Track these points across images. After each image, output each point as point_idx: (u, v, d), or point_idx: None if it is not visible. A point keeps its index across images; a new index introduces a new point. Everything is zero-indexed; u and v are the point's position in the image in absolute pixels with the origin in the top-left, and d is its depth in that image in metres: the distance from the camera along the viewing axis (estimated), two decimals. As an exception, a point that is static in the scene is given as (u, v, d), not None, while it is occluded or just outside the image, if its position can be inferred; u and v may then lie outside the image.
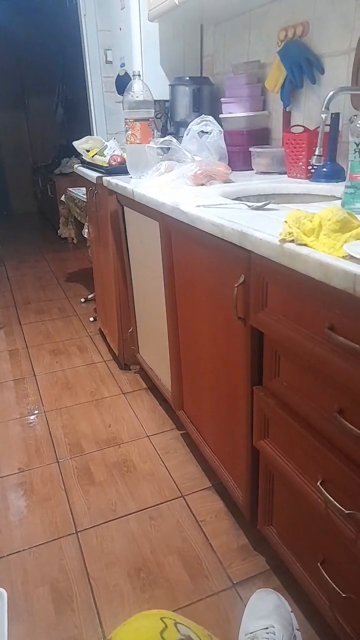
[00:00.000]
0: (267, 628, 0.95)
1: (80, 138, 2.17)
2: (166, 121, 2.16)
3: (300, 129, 1.53)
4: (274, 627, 0.94)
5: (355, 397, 0.73)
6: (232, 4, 1.74)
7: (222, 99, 1.86)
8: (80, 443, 1.72)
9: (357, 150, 0.93)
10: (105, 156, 1.96)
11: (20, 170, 6.09)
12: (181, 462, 1.60)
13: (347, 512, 0.79)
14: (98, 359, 2.34)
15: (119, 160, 1.83)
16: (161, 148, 1.64)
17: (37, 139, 6.07)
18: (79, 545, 1.30)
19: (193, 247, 1.22)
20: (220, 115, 1.84)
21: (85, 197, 2.54)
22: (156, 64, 2.09)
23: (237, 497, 1.24)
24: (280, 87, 1.66)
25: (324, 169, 1.43)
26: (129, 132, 1.62)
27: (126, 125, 1.62)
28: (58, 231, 3.52)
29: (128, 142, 1.64)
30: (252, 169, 1.75)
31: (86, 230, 2.79)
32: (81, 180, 2.24)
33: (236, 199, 1.32)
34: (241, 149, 1.77)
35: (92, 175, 1.89)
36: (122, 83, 2.07)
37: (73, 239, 3.39)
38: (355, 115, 1.18)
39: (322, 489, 0.84)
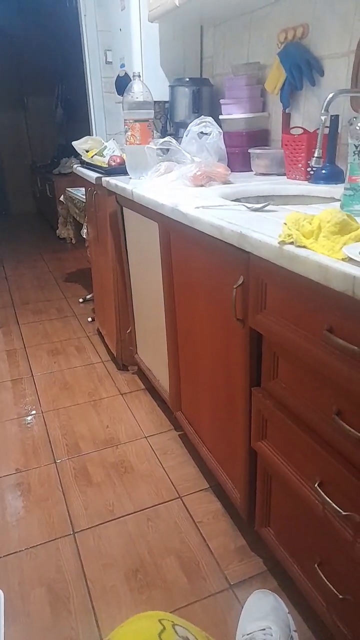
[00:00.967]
0: (264, 629, 0.95)
1: (80, 138, 2.17)
2: (166, 122, 2.16)
3: (300, 131, 1.53)
4: (271, 628, 0.94)
5: (354, 399, 0.73)
6: (232, 5, 1.74)
7: (221, 100, 1.86)
8: (77, 443, 1.72)
9: (356, 152, 0.93)
10: (104, 156, 1.96)
11: (19, 170, 6.08)
12: (179, 463, 1.60)
13: (344, 513, 0.79)
14: (96, 360, 2.34)
15: (118, 160, 1.83)
16: (161, 149, 1.64)
17: (36, 138, 6.06)
18: (76, 546, 1.29)
19: (192, 248, 1.22)
20: (220, 117, 1.84)
21: (84, 197, 2.54)
22: (156, 65, 2.09)
23: (234, 498, 1.24)
24: (280, 88, 1.66)
25: (323, 171, 1.43)
26: (129, 133, 1.62)
27: (126, 126, 1.62)
28: (57, 231, 3.52)
29: (127, 142, 1.64)
30: (252, 171, 1.75)
31: (85, 230, 2.78)
32: (80, 181, 2.24)
33: (235, 200, 1.32)
34: (240, 150, 1.77)
35: (92, 175, 1.89)
36: (122, 84, 2.07)
37: (72, 239, 3.39)
38: (355, 118, 1.18)
39: (320, 491, 0.84)
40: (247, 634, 0.96)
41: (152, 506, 1.42)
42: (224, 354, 1.15)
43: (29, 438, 1.76)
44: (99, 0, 2.57)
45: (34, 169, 5.97)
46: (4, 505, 1.44)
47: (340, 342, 0.71)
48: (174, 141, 1.63)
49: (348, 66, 1.39)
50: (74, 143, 2.14)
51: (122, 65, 2.18)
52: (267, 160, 1.67)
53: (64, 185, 3.85)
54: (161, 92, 2.05)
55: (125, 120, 1.62)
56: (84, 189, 2.42)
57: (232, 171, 1.61)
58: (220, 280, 1.08)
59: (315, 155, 1.24)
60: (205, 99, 1.99)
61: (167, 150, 1.65)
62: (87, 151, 2.09)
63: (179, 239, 1.29)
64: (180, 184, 1.49)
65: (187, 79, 1.99)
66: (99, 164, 1.92)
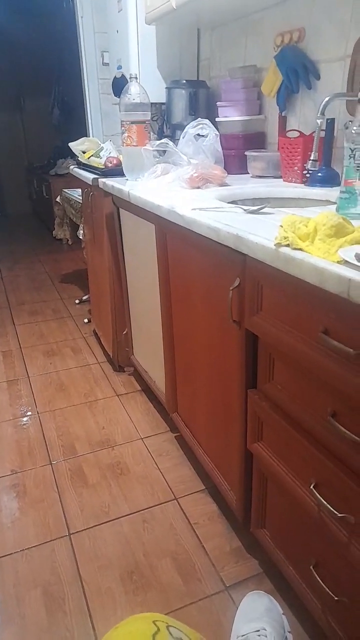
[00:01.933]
0: (258, 630, 0.95)
1: (76, 139, 2.17)
2: (162, 124, 2.17)
3: (296, 134, 1.54)
4: (265, 629, 0.94)
5: (349, 401, 0.74)
6: (229, 8, 1.75)
7: (218, 103, 1.87)
8: (73, 445, 1.71)
9: (352, 155, 0.94)
10: (101, 158, 1.96)
11: (15, 171, 6.07)
12: (175, 464, 1.60)
13: (339, 515, 0.79)
14: (92, 361, 2.34)
15: (115, 162, 1.83)
16: (157, 151, 1.65)
17: (33, 139, 6.05)
18: (72, 548, 1.29)
19: (189, 249, 1.22)
20: (217, 119, 1.84)
21: (80, 198, 2.53)
22: (153, 67, 2.09)
23: (230, 500, 1.24)
24: (276, 92, 1.67)
25: (319, 174, 1.44)
26: (126, 135, 1.62)
27: (122, 128, 1.63)
28: (53, 232, 3.51)
29: (124, 144, 1.65)
30: (248, 173, 1.76)
31: (81, 231, 2.78)
32: (76, 182, 2.24)
33: (232, 202, 1.33)
34: (237, 152, 1.78)
35: (88, 176, 1.89)
36: (119, 85, 2.08)
37: (68, 240, 3.39)
38: (350, 121, 1.19)
39: (315, 492, 0.84)
40: (242, 635, 0.96)
41: (148, 508, 1.42)
42: (220, 355, 1.15)
43: (25, 439, 1.76)
44: (96, 2, 2.58)
45: (30, 170, 5.96)
46: (-1, 506, 1.44)
47: (336, 344, 0.71)
48: (170, 143, 1.63)
49: (344, 70, 1.40)
50: (71, 144, 2.14)
51: (119, 67, 2.18)
52: (264, 163, 1.68)
53: (60, 186, 3.85)
54: (158, 94, 2.06)
55: (122, 121, 1.62)
56: (80, 190, 2.42)
57: (228, 173, 1.62)
58: (217, 281, 1.08)
59: (312, 158, 1.25)
60: (202, 101, 2.00)
61: (164, 152, 1.65)
62: (83, 152, 2.09)
63: (176, 240, 1.29)
64: (176, 185, 1.50)
65: (184, 81, 2.00)
66: (95, 165, 1.92)
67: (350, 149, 0.94)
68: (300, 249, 0.75)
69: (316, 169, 1.31)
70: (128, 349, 2.05)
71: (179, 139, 1.70)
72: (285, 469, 0.96)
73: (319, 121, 1.20)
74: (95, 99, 2.88)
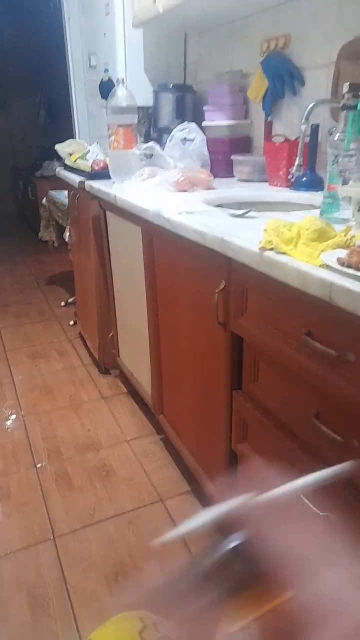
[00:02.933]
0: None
1: (63, 141, 2.17)
2: (149, 127, 2.18)
3: (281, 139, 1.56)
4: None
5: (331, 402, 0.75)
6: (215, 14, 1.76)
7: (204, 107, 1.88)
8: (58, 448, 1.71)
9: (334, 161, 0.96)
10: (87, 160, 1.96)
11: (1, 172, 6.01)
12: (160, 466, 1.60)
13: (321, 514, 0.80)
14: (78, 363, 2.33)
15: (101, 165, 1.84)
16: (144, 154, 1.66)
17: (18, 140, 6.01)
18: (57, 551, 1.29)
19: (175, 252, 1.23)
20: (203, 123, 1.86)
21: (66, 200, 2.53)
22: (140, 71, 2.10)
23: (215, 501, 1.25)
24: (262, 97, 1.69)
25: (304, 179, 1.46)
26: (112, 138, 1.63)
27: (109, 131, 1.63)
28: (39, 234, 3.49)
29: (111, 147, 1.65)
30: (234, 177, 1.78)
31: (67, 233, 2.77)
32: (63, 184, 2.23)
33: (218, 205, 1.34)
34: (223, 156, 1.79)
35: (75, 179, 1.89)
36: (106, 88, 2.08)
37: (54, 242, 3.36)
38: (334, 127, 1.22)
39: (299, 492, 0.85)
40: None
41: (133, 509, 1.42)
42: (206, 357, 1.16)
43: (9, 442, 1.74)
44: (83, 4, 2.58)
45: (15, 171, 5.91)
46: (-18, 510, 1.43)
47: (318, 346, 0.73)
48: (157, 146, 1.64)
49: (328, 77, 1.43)
50: (57, 146, 2.13)
51: (106, 70, 2.18)
52: (250, 167, 1.70)
53: (46, 187, 3.82)
54: (145, 97, 2.07)
55: (109, 124, 1.62)
56: (66, 192, 2.42)
57: (215, 177, 1.63)
58: (203, 284, 1.09)
59: (296, 163, 1.27)
60: (189, 105, 2.01)
61: (151, 155, 1.66)
62: (70, 154, 2.09)
63: (162, 243, 1.30)
64: (163, 189, 1.51)
65: (171, 85, 2.01)
66: (82, 167, 1.92)
67: (333, 154, 0.96)
68: (284, 253, 0.77)
69: (301, 173, 1.34)
70: (114, 351, 2.05)
71: (165, 143, 1.71)
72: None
73: (303, 127, 1.23)
74: (82, 101, 2.88)
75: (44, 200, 3.29)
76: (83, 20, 2.67)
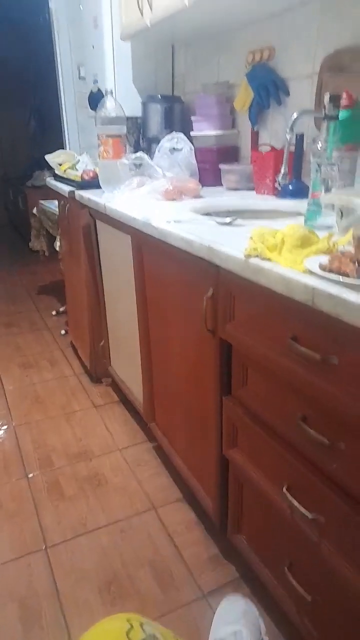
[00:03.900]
0: (234, 633, 0.96)
1: (53, 151, 2.18)
2: (138, 137, 2.20)
3: (268, 148, 1.59)
4: (242, 632, 0.95)
5: (317, 405, 0.76)
6: (202, 27, 1.80)
7: (192, 117, 1.91)
8: (50, 457, 1.70)
9: (318, 170, 0.98)
10: (77, 170, 1.98)
11: (-9, 182, 6.02)
12: (152, 474, 1.60)
13: (310, 516, 0.81)
14: (69, 372, 2.32)
15: (91, 174, 1.85)
16: (133, 164, 1.68)
17: (9, 150, 6.02)
18: (49, 561, 1.28)
19: (164, 261, 1.24)
20: (191, 133, 1.89)
21: (57, 210, 2.54)
22: (129, 82, 2.13)
23: (207, 507, 1.25)
24: (248, 107, 1.72)
25: (290, 187, 1.49)
26: (102, 148, 1.65)
27: (99, 141, 1.65)
28: (29, 244, 3.49)
29: (101, 157, 1.67)
30: (222, 185, 1.80)
31: (58, 243, 2.78)
32: (53, 193, 2.24)
33: (206, 214, 1.36)
34: (211, 165, 1.82)
35: (65, 189, 1.90)
36: (95, 99, 2.10)
37: (44, 251, 3.37)
38: (317, 137, 1.24)
39: (288, 495, 0.86)
40: (219, 639, 0.97)
41: (126, 518, 1.41)
42: (196, 364, 1.17)
43: (0, 452, 1.73)
44: (72, 17, 2.61)
45: (5, 181, 5.92)
46: (-27, 521, 1.42)
47: (304, 350, 0.74)
48: (146, 156, 1.66)
49: (311, 87, 1.46)
50: (47, 157, 2.15)
51: (95, 81, 2.21)
52: (237, 176, 1.73)
53: (37, 197, 3.83)
54: (133, 108, 2.09)
55: (98, 135, 1.64)
56: (57, 201, 2.43)
57: (203, 186, 1.66)
58: (191, 292, 1.11)
59: (282, 172, 1.29)
60: (177, 116, 2.04)
61: (140, 165, 1.68)
62: (60, 164, 2.10)
63: (151, 252, 1.31)
64: (152, 198, 1.52)
65: (159, 96, 2.04)
66: (72, 177, 1.94)
67: (317, 163, 0.99)
68: (268, 260, 0.78)
69: (287, 182, 1.36)
70: (105, 360, 2.05)
71: (154, 153, 1.73)
72: (260, 473, 0.98)
73: (288, 136, 1.25)
74: (71, 111, 2.90)
75: (34, 210, 3.30)
76: (72, 32, 2.70)
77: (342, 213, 0.91)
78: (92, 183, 1.80)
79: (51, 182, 2.17)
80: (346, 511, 0.74)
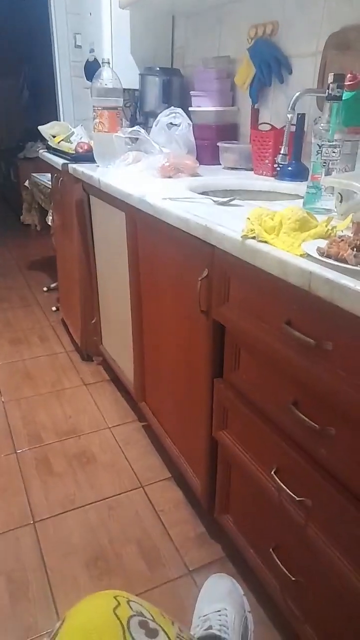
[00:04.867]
0: (219, 611, 0.98)
1: (47, 122, 2.12)
2: (135, 111, 2.14)
3: (268, 127, 1.56)
4: (226, 609, 0.97)
5: (309, 390, 0.76)
6: (204, -3, 1.74)
7: (191, 92, 1.86)
8: (39, 434, 1.70)
9: (319, 151, 0.96)
10: (71, 143, 1.93)
11: (-18, 153, 5.86)
12: (142, 453, 1.61)
13: (298, 499, 0.82)
14: (60, 350, 2.31)
15: (85, 147, 1.81)
16: (129, 138, 1.63)
17: (1, 121, 5.86)
18: (36, 536, 1.29)
19: (159, 239, 1.22)
20: (190, 108, 1.84)
21: (49, 183, 2.48)
22: (126, 52, 2.06)
23: (195, 487, 1.26)
24: (249, 84, 1.68)
25: (289, 168, 1.46)
26: (97, 120, 1.60)
27: (94, 113, 1.60)
28: (21, 217, 3.43)
29: (96, 130, 1.62)
30: (220, 164, 1.77)
31: (50, 217, 2.73)
32: (46, 166, 2.19)
33: (203, 193, 1.33)
34: (209, 143, 1.78)
35: (58, 161, 1.86)
36: (91, 69, 2.03)
37: (36, 225, 3.31)
38: (319, 117, 1.21)
39: (276, 478, 0.87)
40: (203, 616, 0.99)
41: (114, 496, 1.42)
42: (188, 345, 1.16)
43: (-11, 428, 1.73)
44: (69, -18, 2.51)
45: (-3, 152, 5.77)
46: None
47: (298, 335, 0.73)
48: (142, 131, 1.62)
49: (315, 66, 1.42)
50: (40, 128, 2.09)
51: (92, 50, 2.14)
52: (236, 155, 1.69)
53: (29, 170, 3.75)
54: (131, 80, 2.03)
55: (94, 107, 1.59)
56: (49, 174, 2.37)
57: (200, 164, 1.62)
58: (186, 272, 1.09)
59: (281, 152, 1.27)
60: (176, 90, 1.98)
61: (136, 139, 1.64)
62: (53, 136, 2.04)
63: (146, 229, 1.29)
64: (148, 174, 1.49)
65: (158, 68, 1.98)
66: (65, 150, 1.89)
67: (317, 145, 0.96)
68: (265, 242, 0.77)
69: (286, 163, 1.34)
70: (96, 337, 2.04)
71: (151, 127, 1.69)
72: (248, 455, 0.99)
73: (289, 116, 1.22)
74: (66, 81, 2.81)
75: (26, 183, 3.23)
76: (68, -2, 2.60)
77: (341, 197, 0.90)
78: (87, 156, 1.76)
79: (44, 154, 2.12)
80: (333, 495, 0.75)
